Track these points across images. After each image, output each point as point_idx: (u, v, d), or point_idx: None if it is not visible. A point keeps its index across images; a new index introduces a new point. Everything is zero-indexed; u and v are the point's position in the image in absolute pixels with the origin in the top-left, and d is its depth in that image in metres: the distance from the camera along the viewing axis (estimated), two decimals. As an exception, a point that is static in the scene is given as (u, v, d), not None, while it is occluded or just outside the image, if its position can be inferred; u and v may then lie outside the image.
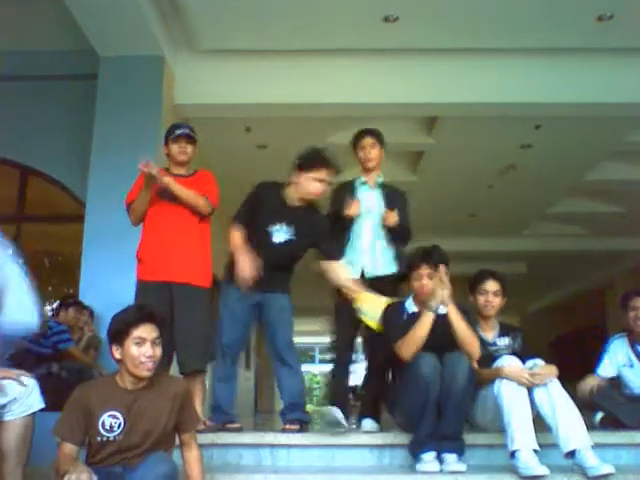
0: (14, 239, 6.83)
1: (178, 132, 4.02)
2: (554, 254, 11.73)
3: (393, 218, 4.02)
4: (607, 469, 2.97)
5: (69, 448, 2.56)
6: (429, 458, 3.18)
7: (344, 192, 4.14)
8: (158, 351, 2.62)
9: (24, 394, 2.90)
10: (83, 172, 5.94)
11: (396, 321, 3.58)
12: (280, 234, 3.80)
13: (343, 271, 3.76)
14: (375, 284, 3.87)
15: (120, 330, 2.60)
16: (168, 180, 3.78)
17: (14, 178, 6.83)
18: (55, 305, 5.86)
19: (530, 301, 16.51)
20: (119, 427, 2.58)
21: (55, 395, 4.03)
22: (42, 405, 3.00)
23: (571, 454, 3.09)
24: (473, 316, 3.63)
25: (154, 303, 3.64)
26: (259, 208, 3.84)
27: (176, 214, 3.86)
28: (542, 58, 6.35)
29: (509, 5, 5.67)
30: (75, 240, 5.84)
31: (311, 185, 3.76)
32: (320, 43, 6.22)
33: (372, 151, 4.14)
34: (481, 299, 3.72)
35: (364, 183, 4.18)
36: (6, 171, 6.85)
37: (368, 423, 3.95)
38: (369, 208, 4.08)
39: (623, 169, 8.60)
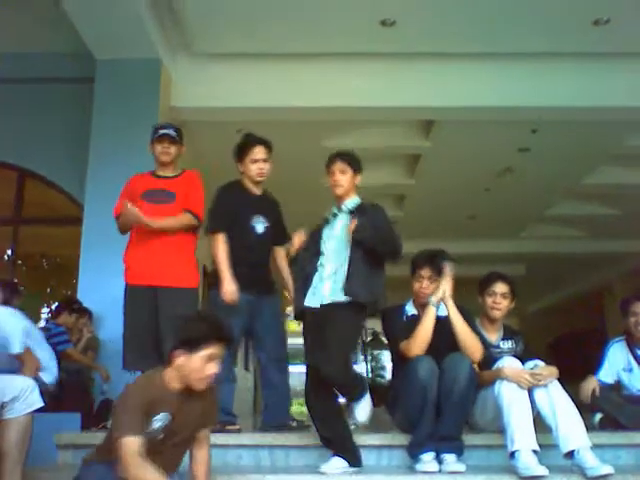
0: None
1: (161, 132, 3.99)
2: (552, 256, 11.75)
3: (352, 226, 3.40)
4: (606, 469, 2.98)
5: (138, 443, 2.41)
6: (428, 458, 3.19)
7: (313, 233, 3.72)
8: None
9: (25, 392, 2.91)
10: (81, 174, 5.94)
11: (397, 324, 3.61)
12: (259, 225, 4.00)
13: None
14: (330, 312, 3.32)
15: (197, 340, 2.54)
16: (147, 220, 3.78)
17: (12, 181, 6.82)
18: (54, 307, 5.86)
19: (529, 303, 16.54)
20: (164, 427, 2.55)
21: (56, 396, 4.05)
22: (42, 404, 3.01)
23: (570, 454, 3.10)
24: (472, 318, 3.64)
25: (140, 305, 3.78)
26: (231, 208, 3.93)
27: (161, 214, 3.88)
28: (539, 62, 6.37)
29: (506, 9, 5.68)
30: (73, 242, 5.84)
31: (252, 168, 4.02)
32: (317, 47, 6.23)
33: (341, 177, 3.57)
34: (489, 300, 3.73)
35: (333, 214, 3.62)
36: (4, 174, 6.85)
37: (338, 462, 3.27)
38: (333, 235, 3.53)
39: (620, 173, 8.62)
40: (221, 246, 3.86)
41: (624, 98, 6.41)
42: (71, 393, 4.54)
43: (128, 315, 3.88)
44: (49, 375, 4.02)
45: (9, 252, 7.04)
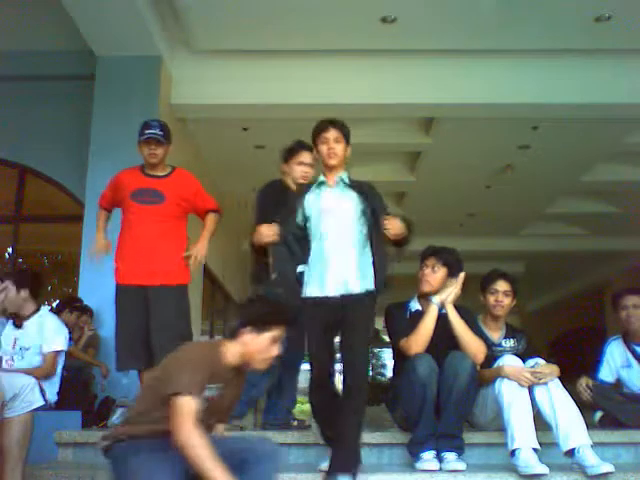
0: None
1: (147, 134, 3.93)
2: (552, 254, 11.76)
3: (396, 225, 3.19)
4: (606, 468, 2.99)
5: (195, 405, 2.34)
6: (429, 457, 3.19)
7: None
8: None
9: (25, 390, 2.92)
10: (81, 172, 5.94)
11: (399, 320, 3.60)
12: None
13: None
14: (349, 304, 3.12)
15: (267, 321, 2.57)
16: (203, 249, 3.98)
17: (12, 178, 6.82)
18: (55, 305, 5.86)
19: (528, 301, 16.54)
20: (210, 399, 2.50)
21: (57, 394, 4.05)
22: (42, 402, 3.02)
23: (571, 453, 3.10)
24: (474, 319, 3.64)
25: (131, 305, 3.80)
26: (275, 208, 3.70)
27: (150, 215, 3.89)
28: (540, 59, 6.36)
29: (507, 6, 5.67)
30: (74, 240, 5.85)
31: (298, 169, 4.04)
32: (317, 44, 6.21)
33: (336, 146, 3.32)
34: (491, 299, 3.72)
35: (322, 183, 3.36)
36: (4, 171, 6.85)
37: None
38: (328, 208, 3.27)
39: (621, 170, 8.61)
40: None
41: (625, 95, 6.40)
42: (72, 391, 4.54)
43: (119, 315, 3.88)
44: (52, 387, 3.98)
45: (10, 250, 7.04)
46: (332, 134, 3.34)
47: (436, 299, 3.46)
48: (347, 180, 3.33)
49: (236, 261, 11.49)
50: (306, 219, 3.31)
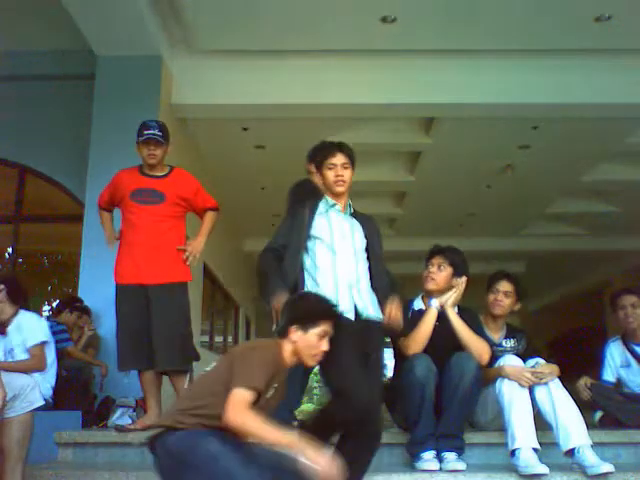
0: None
1: (146, 134, 3.94)
2: (552, 254, 11.76)
3: (391, 317, 3.09)
4: (606, 468, 2.99)
5: (251, 399, 2.36)
6: (429, 457, 3.19)
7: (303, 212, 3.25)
8: None
9: (25, 390, 2.92)
10: (82, 172, 5.93)
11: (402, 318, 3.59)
12: None
13: None
14: (371, 328, 3.06)
15: (314, 317, 2.60)
16: (200, 246, 4.04)
17: (12, 178, 6.82)
18: (55, 305, 5.86)
19: (529, 301, 16.54)
20: (267, 399, 2.53)
21: (57, 394, 4.05)
22: (42, 402, 3.02)
23: (571, 453, 3.10)
24: (477, 320, 3.63)
25: (132, 305, 3.80)
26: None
27: (150, 215, 3.90)
28: (540, 59, 6.35)
29: (507, 6, 5.67)
30: (74, 240, 5.85)
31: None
32: (318, 44, 6.21)
33: (344, 173, 3.18)
34: (491, 297, 3.73)
35: (333, 205, 3.23)
36: (4, 171, 6.85)
37: None
38: (343, 235, 3.15)
39: (621, 170, 8.61)
40: None
41: (625, 95, 6.40)
42: (72, 391, 4.55)
43: (120, 316, 3.89)
44: (45, 382, 3.94)
45: (10, 250, 7.05)
46: (340, 159, 3.18)
47: (435, 302, 3.45)
48: (352, 209, 3.28)
49: (236, 261, 11.50)
50: (307, 237, 3.15)
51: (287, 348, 2.60)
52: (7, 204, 6.88)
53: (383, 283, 3.16)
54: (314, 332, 2.58)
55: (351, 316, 3.00)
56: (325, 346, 2.61)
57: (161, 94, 6.07)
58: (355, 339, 2.89)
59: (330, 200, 3.24)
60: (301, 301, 2.75)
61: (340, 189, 3.19)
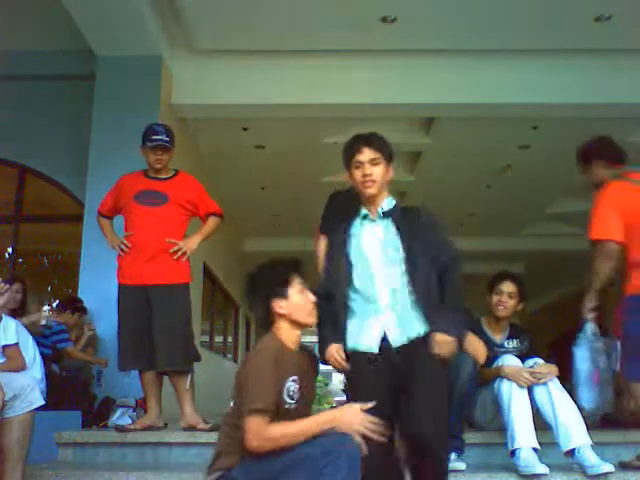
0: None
1: (155, 140, 3.94)
2: (552, 254, 11.75)
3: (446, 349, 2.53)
4: (607, 468, 2.99)
5: (265, 422, 2.21)
6: (428, 457, 3.18)
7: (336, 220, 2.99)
8: None
9: (25, 390, 2.92)
10: (82, 172, 5.94)
11: None
12: None
13: None
14: (411, 352, 2.56)
15: (283, 280, 2.46)
16: (195, 245, 3.99)
17: (12, 178, 6.82)
18: (55, 305, 5.86)
19: (528, 301, 16.52)
20: (297, 392, 2.38)
21: (56, 394, 4.06)
22: (42, 402, 3.02)
23: (571, 453, 3.10)
24: (474, 320, 3.63)
25: (133, 305, 3.81)
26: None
27: (153, 216, 3.90)
28: (540, 59, 6.35)
29: (507, 6, 5.67)
30: (74, 240, 5.86)
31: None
32: (318, 43, 6.21)
33: (375, 170, 2.67)
34: (495, 298, 3.69)
35: (365, 217, 2.74)
36: (4, 171, 6.85)
37: None
38: (372, 245, 2.67)
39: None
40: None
41: (626, 95, 6.40)
42: (72, 391, 4.55)
43: (121, 316, 3.89)
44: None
45: (10, 250, 7.04)
46: (367, 155, 2.66)
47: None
48: (389, 208, 2.70)
49: (236, 261, 11.50)
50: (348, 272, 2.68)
51: (282, 326, 2.45)
52: (7, 204, 6.88)
53: (431, 298, 2.58)
54: (293, 291, 2.46)
55: (374, 347, 2.58)
56: (311, 298, 2.48)
57: (161, 94, 6.08)
58: (383, 375, 2.54)
59: (363, 210, 2.74)
60: (264, 274, 2.53)
61: (370, 190, 2.65)
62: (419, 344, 2.54)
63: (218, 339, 11.12)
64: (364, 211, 2.73)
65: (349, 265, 2.67)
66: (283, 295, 2.45)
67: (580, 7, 5.65)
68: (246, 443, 2.22)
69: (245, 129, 7.32)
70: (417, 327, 2.57)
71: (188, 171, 4.25)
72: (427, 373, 2.50)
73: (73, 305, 5.39)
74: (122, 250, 3.91)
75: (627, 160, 3.66)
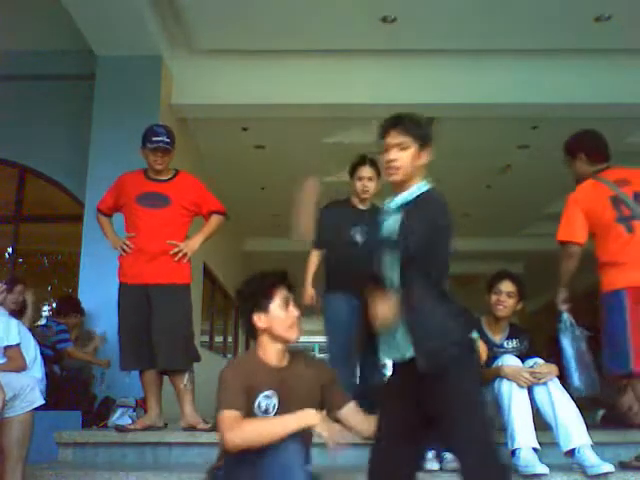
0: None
1: (155, 141, 3.94)
2: (552, 254, 11.71)
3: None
4: (607, 467, 2.99)
5: (234, 414, 2.25)
6: (429, 457, 3.19)
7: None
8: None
9: (25, 390, 2.92)
10: (81, 172, 5.94)
11: None
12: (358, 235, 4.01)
13: None
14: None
15: (264, 294, 2.43)
16: (195, 245, 4.00)
17: (12, 178, 6.82)
18: (55, 305, 5.86)
19: (528, 301, 16.51)
20: (274, 408, 2.39)
21: (56, 394, 4.06)
22: (42, 401, 3.02)
23: (571, 453, 3.10)
24: (474, 320, 3.62)
25: (133, 304, 3.80)
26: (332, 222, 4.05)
27: (155, 218, 3.90)
28: (539, 59, 6.35)
29: (507, 6, 5.67)
30: (74, 240, 5.86)
31: (356, 185, 4.11)
32: (318, 44, 6.22)
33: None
34: (494, 298, 3.69)
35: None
36: (4, 171, 6.85)
37: None
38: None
39: (621, 169, 8.61)
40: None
41: (625, 95, 6.40)
42: (72, 391, 4.55)
43: (122, 315, 3.89)
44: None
45: (10, 250, 7.04)
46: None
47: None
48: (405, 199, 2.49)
49: (236, 261, 11.50)
50: None
51: (262, 340, 2.44)
52: (7, 204, 6.87)
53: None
54: (274, 305, 2.42)
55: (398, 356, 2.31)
56: (294, 312, 2.44)
57: (161, 94, 6.08)
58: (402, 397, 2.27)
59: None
60: (245, 288, 2.52)
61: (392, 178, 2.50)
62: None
63: (218, 339, 11.11)
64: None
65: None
66: (264, 309, 2.42)
67: (580, 7, 5.65)
68: (223, 442, 2.24)
69: (245, 129, 7.32)
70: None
71: (188, 171, 4.24)
72: None
73: (74, 306, 5.39)
74: (124, 251, 3.91)
75: (610, 157, 3.65)
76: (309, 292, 4.00)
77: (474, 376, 2.26)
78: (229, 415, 2.25)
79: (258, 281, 2.50)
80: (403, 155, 2.44)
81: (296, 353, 2.55)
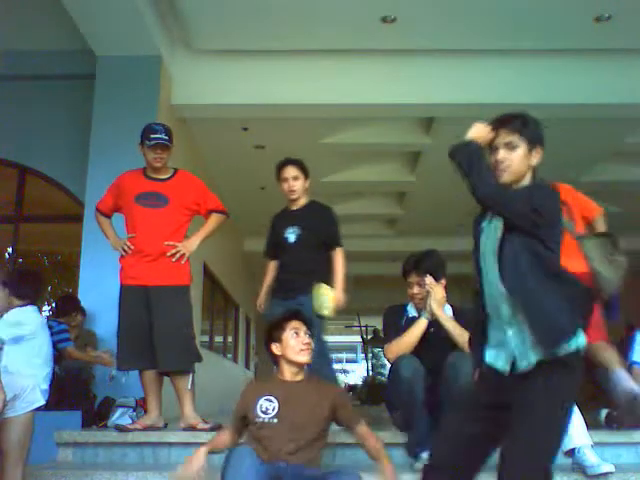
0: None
1: (154, 139, 3.94)
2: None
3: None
4: (607, 468, 2.99)
5: (227, 433, 2.91)
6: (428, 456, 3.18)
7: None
8: (311, 342, 2.91)
9: (25, 390, 2.92)
10: (82, 172, 5.93)
11: (394, 323, 3.60)
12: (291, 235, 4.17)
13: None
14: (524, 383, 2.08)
15: (277, 327, 2.92)
16: (194, 244, 4.02)
17: (12, 178, 6.82)
18: (55, 304, 5.85)
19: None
20: (273, 410, 2.76)
21: (56, 394, 4.05)
22: (43, 402, 3.02)
23: (571, 453, 3.10)
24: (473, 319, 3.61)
25: (133, 305, 3.82)
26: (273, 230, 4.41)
27: (154, 218, 3.91)
28: (540, 59, 6.36)
29: (507, 6, 5.67)
30: (74, 240, 5.85)
31: (283, 187, 4.20)
32: (317, 44, 6.22)
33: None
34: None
35: None
36: (4, 171, 6.84)
37: None
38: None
39: (620, 170, 8.61)
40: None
41: (625, 95, 6.40)
42: (72, 391, 4.54)
43: (122, 315, 3.90)
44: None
45: (10, 250, 7.04)
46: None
47: (426, 315, 3.44)
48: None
49: (236, 261, 11.50)
50: None
51: (281, 365, 2.92)
52: (7, 204, 6.87)
53: None
54: (286, 336, 2.88)
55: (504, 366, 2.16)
56: (303, 339, 2.87)
57: (161, 94, 6.08)
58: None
59: None
60: (267, 326, 3.01)
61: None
62: None
63: (218, 339, 11.10)
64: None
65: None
66: (278, 339, 2.91)
67: (580, 7, 5.65)
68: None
69: (245, 129, 7.32)
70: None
71: (188, 171, 4.24)
72: None
73: (74, 306, 5.38)
74: (125, 252, 3.91)
75: None
76: (260, 301, 4.27)
77: (572, 389, 2.05)
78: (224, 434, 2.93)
79: (276, 319, 3.01)
80: (512, 155, 2.36)
81: (313, 376, 3.00)
